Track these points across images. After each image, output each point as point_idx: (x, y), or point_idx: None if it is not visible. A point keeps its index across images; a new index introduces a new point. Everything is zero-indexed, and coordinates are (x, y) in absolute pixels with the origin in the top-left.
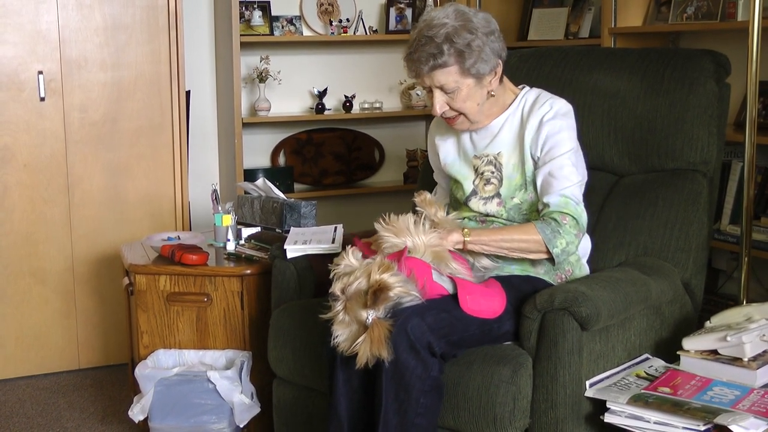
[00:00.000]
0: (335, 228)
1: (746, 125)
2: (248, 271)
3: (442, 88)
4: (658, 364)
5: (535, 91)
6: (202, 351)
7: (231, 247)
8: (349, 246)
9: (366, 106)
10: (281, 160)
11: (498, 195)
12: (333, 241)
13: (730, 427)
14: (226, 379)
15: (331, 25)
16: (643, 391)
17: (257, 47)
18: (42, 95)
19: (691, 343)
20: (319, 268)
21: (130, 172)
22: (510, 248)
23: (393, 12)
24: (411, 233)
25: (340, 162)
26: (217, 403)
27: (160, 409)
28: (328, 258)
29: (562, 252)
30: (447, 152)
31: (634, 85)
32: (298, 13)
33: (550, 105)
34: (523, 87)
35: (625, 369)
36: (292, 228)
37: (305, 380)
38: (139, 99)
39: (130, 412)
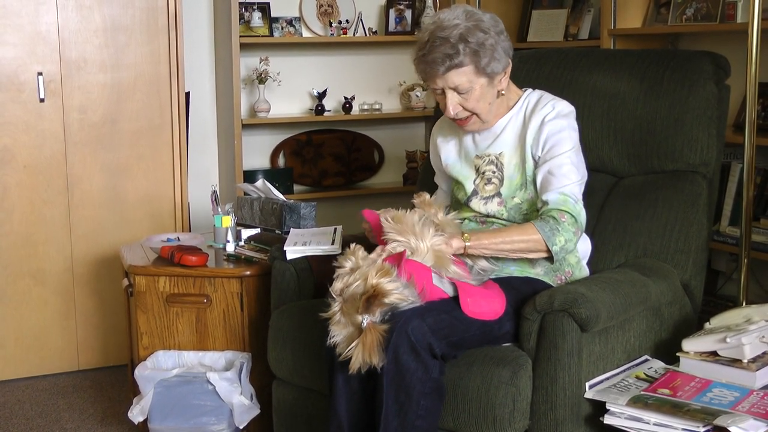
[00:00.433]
0: (335, 229)
1: (746, 127)
2: (248, 273)
3: (455, 89)
4: (658, 365)
5: (538, 92)
6: (202, 352)
7: (230, 248)
8: (354, 244)
9: (365, 107)
10: (281, 161)
11: (498, 194)
12: (333, 243)
13: (730, 429)
14: (226, 380)
15: (330, 26)
16: (642, 392)
17: (257, 48)
18: (42, 96)
19: (690, 345)
20: (318, 269)
21: (130, 173)
22: (510, 249)
23: (392, 13)
24: (416, 234)
25: (339, 163)
26: (217, 405)
27: (160, 410)
28: (327, 259)
29: (561, 249)
30: (448, 153)
31: (633, 87)
32: (297, 15)
33: (553, 106)
34: (526, 89)
35: (624, 370)
36: (291, 229)
37: (305, 381)
38: (139, 100)
39: (129, 414)
